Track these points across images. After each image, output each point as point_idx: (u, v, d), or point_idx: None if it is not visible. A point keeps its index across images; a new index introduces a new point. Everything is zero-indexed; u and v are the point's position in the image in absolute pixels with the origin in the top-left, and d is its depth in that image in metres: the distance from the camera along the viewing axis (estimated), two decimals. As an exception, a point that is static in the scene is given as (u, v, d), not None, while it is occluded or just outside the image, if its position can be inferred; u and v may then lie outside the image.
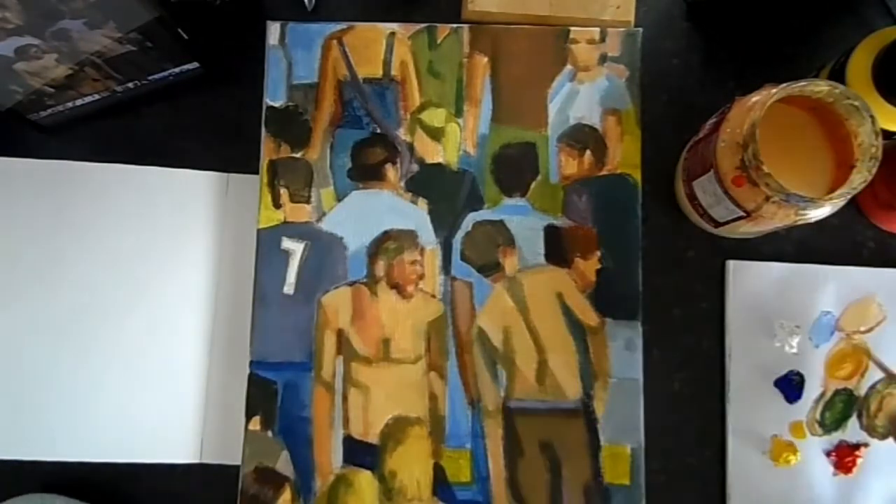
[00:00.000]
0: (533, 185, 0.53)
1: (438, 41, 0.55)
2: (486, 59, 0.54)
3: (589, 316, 0.52)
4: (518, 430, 0.51)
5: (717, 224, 0.50)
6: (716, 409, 0.52)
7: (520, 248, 0.52)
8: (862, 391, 0.52)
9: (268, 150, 0.53)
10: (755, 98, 0.44)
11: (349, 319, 0.52)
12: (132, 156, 0.54)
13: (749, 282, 0.53)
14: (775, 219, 0.44)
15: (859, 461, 0.51)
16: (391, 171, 0.53)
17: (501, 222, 0.53)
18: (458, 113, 0.54)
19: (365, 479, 0.50)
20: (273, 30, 0.54)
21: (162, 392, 0.51)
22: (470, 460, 0.51)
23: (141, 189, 0.53)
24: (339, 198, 0.53)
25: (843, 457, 0.51)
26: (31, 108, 0.51)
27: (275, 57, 0.54)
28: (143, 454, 0.51)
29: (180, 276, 0.53)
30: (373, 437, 0.51)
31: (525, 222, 0.53)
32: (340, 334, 0.52)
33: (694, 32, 0.56)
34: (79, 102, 0.52)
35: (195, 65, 0.53)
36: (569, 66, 0.54)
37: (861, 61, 0.47)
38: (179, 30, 0.49)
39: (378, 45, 0.54)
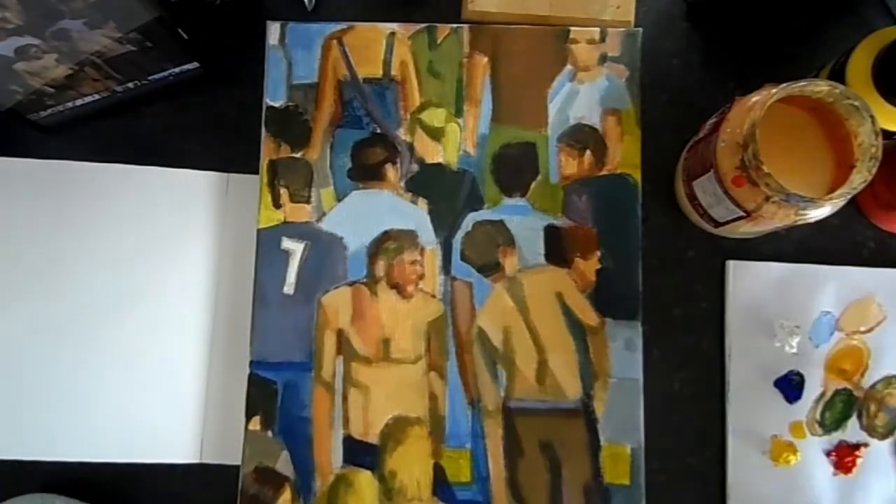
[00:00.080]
0: (533, 185, 0.53)
1: (438, 41, 0.55)
2: (486, 59, 0.54)
3: (589, 316, 0.52)
4: (518, 430, 0.51)
5: (717, 224, 0.50)
6: (716, 409, 0.52)
7: (520, 248, 0.52)
8: (862, 391, 0.52)
9: (268, 150, 0.53)
10: (755, 98, 0.44)
11: (349, 319, 0.52)
12: (132, 156, 0.54)
13: (749, 282, 0.53)
14: (775, 219, 0.44)
15: (859, 461, 0.51)
16: (391, 171, 0.53)
17: (501, 222, 0.53)
18: (458, 113, 0.54)
19: (365, 479, 0.50)
20: (273, 30, 0.54)
21: (162, 392, 0.51)
22: (470, 460, 0.51)
23: (141, 189, 0.53)
24: (339, 198, 0.53)
25: (843, 457, 0.51)
26: (31, 108, 0.51)
27: (275, 57, 0.54)
28: (143, 454, 0.51)
29: (180, 276, 0.53)
30: (373, 437, 0.51)
31: (525, 222, 0.53)
32: (340, 334, 0.52)
33: (694, 32, 0.56)
34: (79, 102, 0.52)
35: (195, 65, 0.53)
36: (569, 66, 0.54)
37: (861, 61, 0.47)
38: (179, 30, 0.49)
39: (378, 45, 0.54)
